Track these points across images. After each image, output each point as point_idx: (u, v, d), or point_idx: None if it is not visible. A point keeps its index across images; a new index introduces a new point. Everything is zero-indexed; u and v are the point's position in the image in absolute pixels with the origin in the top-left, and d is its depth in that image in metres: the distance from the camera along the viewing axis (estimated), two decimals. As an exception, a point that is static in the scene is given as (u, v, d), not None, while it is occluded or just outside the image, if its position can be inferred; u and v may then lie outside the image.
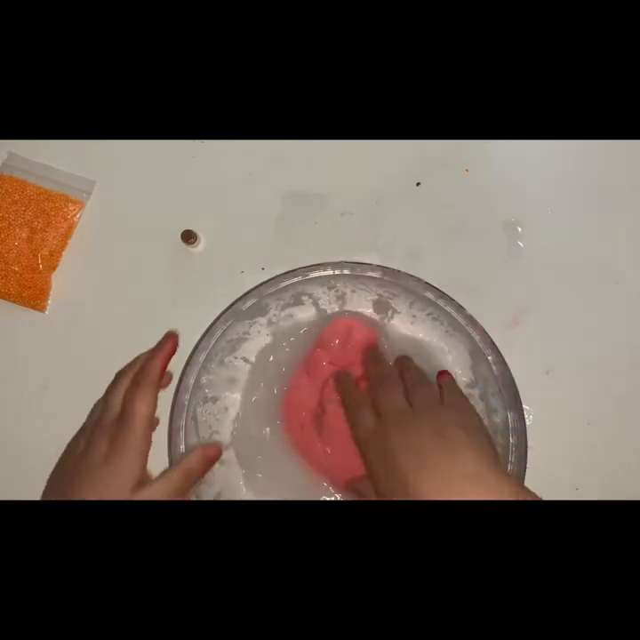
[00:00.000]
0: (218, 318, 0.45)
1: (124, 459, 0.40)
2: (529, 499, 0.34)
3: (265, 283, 0.46)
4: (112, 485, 0.39)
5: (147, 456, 0.42)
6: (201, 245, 0.53)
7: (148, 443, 0.42)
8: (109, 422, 0.43)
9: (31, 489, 0.43)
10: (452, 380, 0.45)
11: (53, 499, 0.42)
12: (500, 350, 0.45)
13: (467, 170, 0.53)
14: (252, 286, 0.47)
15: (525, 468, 0.44)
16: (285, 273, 0.46)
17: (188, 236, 0.52)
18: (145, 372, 0.44)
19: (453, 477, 0.35)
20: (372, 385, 0.45)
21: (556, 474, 0.51)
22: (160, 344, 0.47)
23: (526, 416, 0.51)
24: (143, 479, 0.40)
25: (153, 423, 0.43)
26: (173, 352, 0.45)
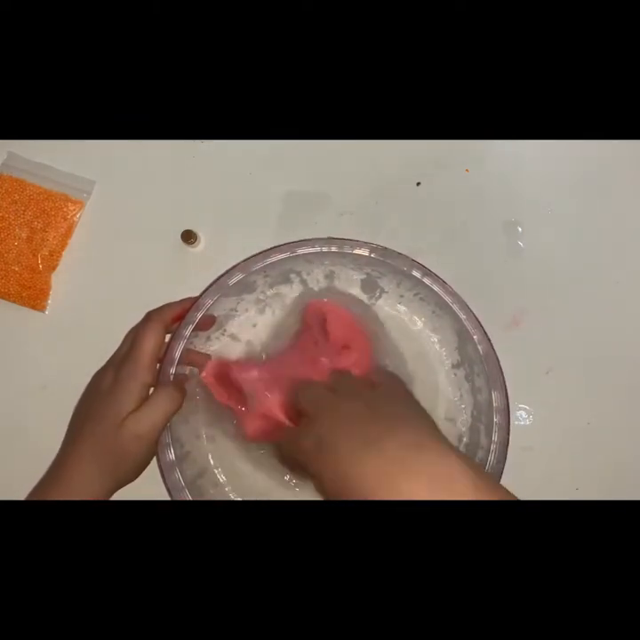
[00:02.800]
0: (204, 292, 0.45)
1: (122, 389, 0.42)
2: (476, 471, 0.32)
3: (252, 257, 0.45)
4: (108, 416, 0.41)
5: (147, 388, 0.43)
6: (201, 245, 0.53)
7: (150, 375, 0.43)
8: (120, 357, 0.45)
9: (31, 489, 0.43)
10: (379, 367, 0.46)
11: (68, 434, 0.45)
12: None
13: (467, 170, 0.53)
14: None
15: (507, 447, 0.44)
16: (273, 248, 0.45)
17: (188, 236, 0.52)
18: (158, 310, 0.46)
19: (395, 449, 0.34)
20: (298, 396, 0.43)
21: (556, 474, 0.51)
22: (182, 299, 0.47)
23: (526, 416, 0.51)
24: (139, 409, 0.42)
25: (157, 357, 0.43)
26: (190, 308, 0.45)
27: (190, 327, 0.44)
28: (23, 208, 0.53)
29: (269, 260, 0.45)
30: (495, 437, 0.44)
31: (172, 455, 0.43)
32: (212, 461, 0.48)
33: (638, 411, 0.52)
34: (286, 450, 0.41)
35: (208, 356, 0.48)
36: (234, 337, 0.50)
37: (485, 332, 0.45)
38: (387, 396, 0.40)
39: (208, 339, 0.49)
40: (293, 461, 0.39)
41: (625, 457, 0.51)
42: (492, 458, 0.43)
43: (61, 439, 0.46)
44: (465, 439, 0.47)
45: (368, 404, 0.38)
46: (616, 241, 0.53)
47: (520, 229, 0.53)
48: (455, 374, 0.49)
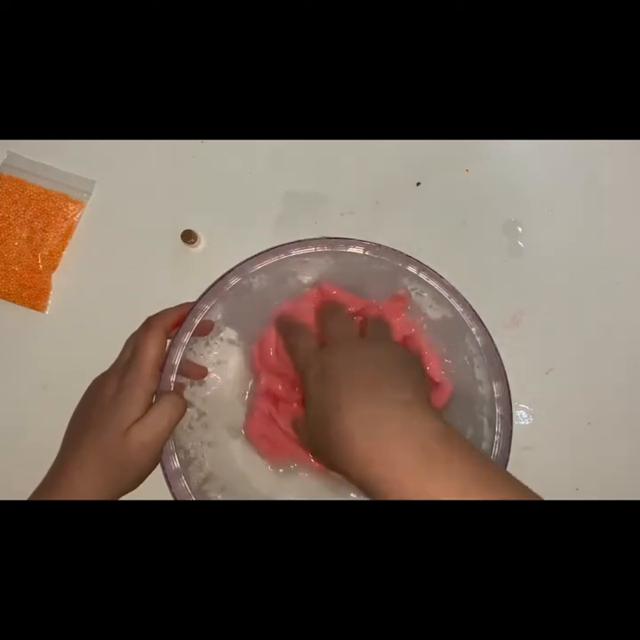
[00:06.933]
0: (201, 297, 0.45)
1: (126, 397, 0.41)
2: (454, 440, 0.34)
3: (247, 260, 0.45)
4: (112, 424, 0.41)
5: (151, 395, 0.42)
6: (201, 245, 0.53)
7: (153, 382, 0.42)
8: (122, 364, 0.44)
9: (31, 489, 0.43)
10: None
11: (68, 441, 0.44)
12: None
13: (467, 170, 0.53)
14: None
15: (511, 438, 0.43)
16: (267, 250, 0.45)
17: (188, 236, 0.52)
18: (158, 316, 0.45)
19: (385, 402, 0.36)
20: (324, 320, 0.45)
21: (556, 474, 0.51)
22: (181, 304, 0.47)
23: (526, 416, 0.52)
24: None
25: (159, 364, 0.43)
26: (188, 313, 0.45)
27: (188, 334, 0.44)
28: (23, 208, 0.53)
29: (265, 263, 0.45)
30: (498, 428, 0.44)
31: (176, 463, 0.43)
32: (217, 466, 0.48)
33: (638, 411, 0.52)
34: (295, 362, 0.43)
35: (204, 368, 0.48)
36: (232, 341, 0.50)
37: (483, 324, 0.45)
38: (402, 356, 0.41)
39: (207, 344, 0.49)
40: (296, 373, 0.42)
41: (625, 457, 0.51)
42: (496, 449, 0.43)
43: (61, 439, 0.46)
44: (468, 432, 0.47)
45: (381, 356, 0.40)
46: (616, 241, 0.53)
47: (520, 229, 0.53)
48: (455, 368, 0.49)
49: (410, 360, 0.41)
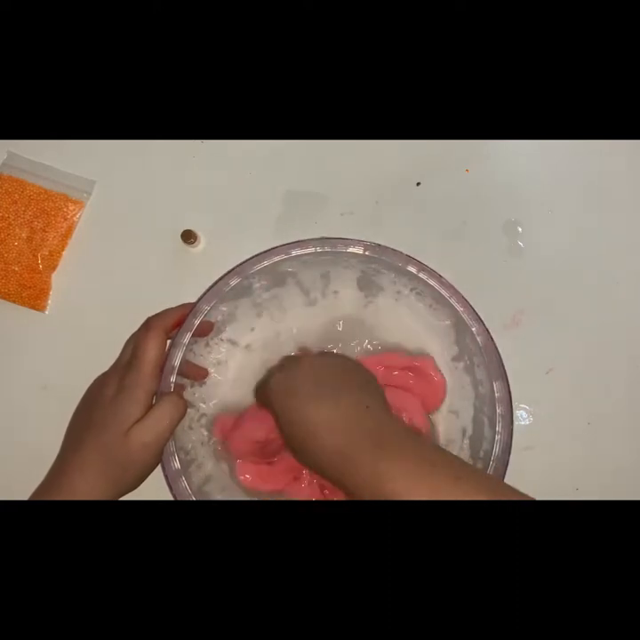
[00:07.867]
0: (201, 297, 0.45)
1: (126, 397, 0.42)
2: (410, 433, 0.38)
3: (247, 261, 0.45)
4: (113, 424, 0.41)
5: (151, 396, 0.42)
6: (201, 245, 0.53)
7: (154, 383, 0.42)
8: (122, 365, 0.45)
9: (31, 489, 0.43)
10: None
11: (68, 441, 0.45)
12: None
13: (467, 170, 0.53)
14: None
15: (511, 437, 0.44)
16: (267, 250, 0.45)
17: (188, 236, 0.52)
18: (158, 316, 0.45)
19: (346, 406, 0.38)
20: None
21: (556, 474, 0.51)
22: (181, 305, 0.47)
23: (526, 416, 0.52)
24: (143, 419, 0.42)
25: (160, 365, 0.43)
26: (188, 313, 0.46)
27: (188, 334, 0.44)
28: (23, 208, 0.53)
29: (264, 263, 0.45)
30: (499, 428, 0.44)
31: (177, 463, 0.43)
32: (217, 467, 0.48)
33: (638, 411, 0.52)
34: (261, 392, 0.47)
35: (205, 369, 0.48)
36: (232, 342, 0.50)
37: (483, 323, 0.45)
38: (354, 365, 0.45)
39: (207, 345, 0.49)
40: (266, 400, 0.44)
41: (625, 457, 0.51)
42: (497, 448, 0.43)
43: (61, 439, 0.46)
44: (469, 432, 0.47)
45: (336, 363, 0.44)
46: (616, 241, 0.53)
47: (520, 229, 0.53)
48: (456, 367, 0.49)
49: (361, 369, 0.44)
